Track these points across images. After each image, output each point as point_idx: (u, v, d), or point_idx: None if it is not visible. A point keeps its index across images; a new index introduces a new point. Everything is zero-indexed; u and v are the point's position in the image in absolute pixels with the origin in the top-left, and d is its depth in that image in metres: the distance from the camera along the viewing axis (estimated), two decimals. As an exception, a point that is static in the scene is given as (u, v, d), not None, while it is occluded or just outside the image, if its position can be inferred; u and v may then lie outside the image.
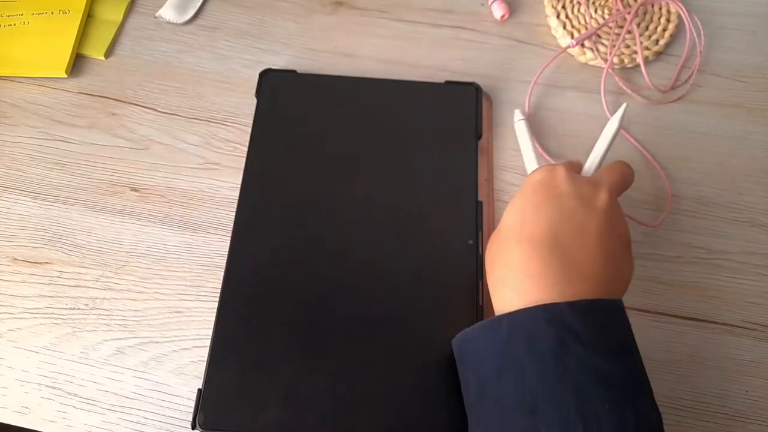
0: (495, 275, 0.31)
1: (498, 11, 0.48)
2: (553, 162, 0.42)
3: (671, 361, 0.36)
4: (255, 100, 0.43)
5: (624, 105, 0.36)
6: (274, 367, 0.34)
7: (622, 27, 0.46)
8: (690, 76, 0.45)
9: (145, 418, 0.35)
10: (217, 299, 0.36)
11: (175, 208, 0.41)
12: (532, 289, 0.28)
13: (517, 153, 0.42)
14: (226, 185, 0.41)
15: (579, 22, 0.47)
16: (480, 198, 0.39)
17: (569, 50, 0.46)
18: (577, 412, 0.25)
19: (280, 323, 0.35)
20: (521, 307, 0.28)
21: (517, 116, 0.42)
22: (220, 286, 0.36)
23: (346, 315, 0.36)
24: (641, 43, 0.44)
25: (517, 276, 0.29)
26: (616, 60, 0.45)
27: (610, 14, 0.46)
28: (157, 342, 0.36)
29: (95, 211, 0.40)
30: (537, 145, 0.42)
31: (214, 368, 0.34)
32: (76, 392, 0.35)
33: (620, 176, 0.33)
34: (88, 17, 0.48)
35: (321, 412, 0.33)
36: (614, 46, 0.45)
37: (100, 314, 0.37)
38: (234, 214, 0.39)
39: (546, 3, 0.48)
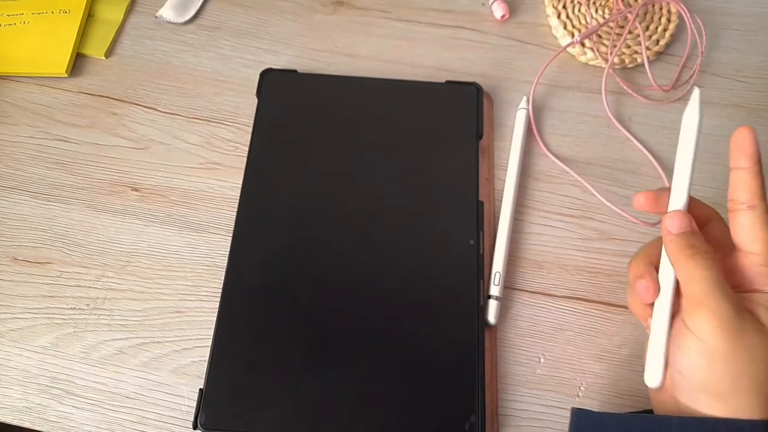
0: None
1: (498, 11, 0.48)
2: (547, 152, 0.42)
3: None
4: (256, 100, 0.43)
5: (696, 89, 0.29)
6: (276, 367, 0.34)
7: (622, 27, 0.46)
8: (691, 76, 0.45)
9: (146, 418, 0.35)
10: (219, 299, 0.36)
11: (176, 208, 0.41)
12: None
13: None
14: (227, 185, 0.41)
15: (580, 22, 0.47)
16: (481, 198, 0.39)
17: (570, 50, 0.46)
18: None
19: (281, 323, 0.35)
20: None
21: (522, 104, 0.42)
22: (221, 286, 0.36)
23: (346, 315, 0.36)
24: (645, 42, 0.44)
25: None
26: (616, 60, 0.45)
27: (610, 14, 0.47)
28: (159, 342, 0.36)
29: (96, 210, 0.40)
30: (540, 142, 0.42)
31: (215, 368, 0.34)
32: (76, 392, 0.35)
33: None
34: (89, 17, 0.48)
35: (322, 412, 0.33)
36: (615, 46, 0.45)
37: (101, 314, 0.37)
38: (235, 214, 0.39)
39: (547, 3, 0.48)
